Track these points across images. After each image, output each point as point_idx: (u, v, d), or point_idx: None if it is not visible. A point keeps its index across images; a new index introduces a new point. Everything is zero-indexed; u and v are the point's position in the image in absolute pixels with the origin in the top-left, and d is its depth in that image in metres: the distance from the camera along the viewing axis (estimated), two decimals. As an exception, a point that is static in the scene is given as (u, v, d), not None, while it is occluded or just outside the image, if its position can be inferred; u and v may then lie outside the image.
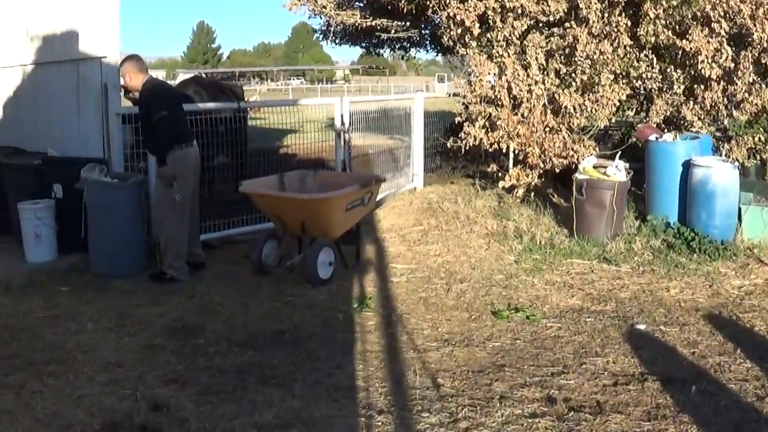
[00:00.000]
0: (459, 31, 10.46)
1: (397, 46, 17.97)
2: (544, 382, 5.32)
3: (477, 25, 10.11)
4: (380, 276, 8.07)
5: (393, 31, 15.31)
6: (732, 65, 9.54)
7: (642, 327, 6.42)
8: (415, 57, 20.57)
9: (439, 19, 11.35)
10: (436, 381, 5.37)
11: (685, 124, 10.33)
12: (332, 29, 16.26)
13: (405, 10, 13.61)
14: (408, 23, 14.96)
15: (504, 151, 11.00)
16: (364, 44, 18.62)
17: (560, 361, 5.72)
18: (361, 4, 15.78)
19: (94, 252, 8.17)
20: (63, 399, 5.08)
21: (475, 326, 6.55)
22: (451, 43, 10.91)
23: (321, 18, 15.96)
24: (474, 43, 10.55)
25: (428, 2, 11.52)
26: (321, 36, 17.82)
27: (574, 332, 6.34)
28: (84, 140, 9.23)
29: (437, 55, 18.46)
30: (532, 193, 10.98)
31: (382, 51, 19.09)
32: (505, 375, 5.45)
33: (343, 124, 11.10)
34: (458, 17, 10.16)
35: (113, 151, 8.79)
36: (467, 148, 10.80)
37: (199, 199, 8.47)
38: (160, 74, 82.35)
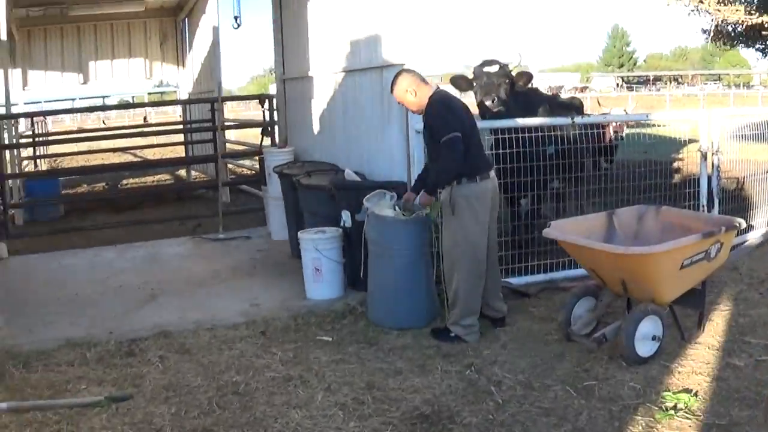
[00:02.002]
0: None
1: (797, 48, 15.34)
2: None
3: None
4: (722, 355, 5.95)
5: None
6: None
7: None
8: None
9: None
10: None
11: None
12: (713, 27, 14.03)
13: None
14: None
15: None
16: (759, 46, 16.12)
17: None
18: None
19: (372, 296, 6.92)
20: None
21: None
22: None
23: (702, 15, 13.82)
24: None
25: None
26: (706, 36, 15.66)
27: None
28: (388, 160, 8.12)
29: None
30: None
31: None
32: None
33: (711, 144, 8.98)
34: None
35: (414, 176, 7.46)
36: None
37: (496, 239, 6.82)
38: (574, 77, 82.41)
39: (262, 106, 11.97)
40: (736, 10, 12.70)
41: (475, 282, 6.36)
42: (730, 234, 6.19)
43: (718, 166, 8.98)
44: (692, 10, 13.34)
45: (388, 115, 8.04)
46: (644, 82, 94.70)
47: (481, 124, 7.32)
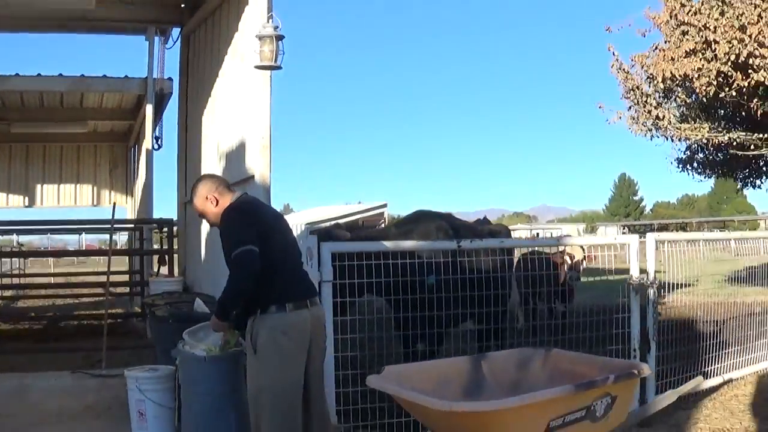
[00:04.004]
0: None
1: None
2: None
3: None
4: None
5: (752, 147, 11.64)
6: None
7: None
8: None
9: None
10: None
11: None
12: (684, 155, 12.96)
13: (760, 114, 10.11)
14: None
15: None
16: (738, 175, 14.99)
17: None
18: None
19: (182, 446, 5.78)
20: None
21: None
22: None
23: (661, 137, 12.74)
24: None
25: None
26: (676, 164, 14.65)
27: None
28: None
29: None
30: None
31: (761, 183, 15.25)
32: None
33: (644, 275, 7.73)
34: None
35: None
36: None
37: (322, 386, 5.53)
38: (580, 227, 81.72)
39: (160, 232, 10.99)
40: (700, 128, 11.55)
41: (283, 434, 5.06)
42: (624, 385, 4.76)
43: (655, 301, 7.70)
44: (648, 130, 12.23)
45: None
46: (648, 229, 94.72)
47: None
